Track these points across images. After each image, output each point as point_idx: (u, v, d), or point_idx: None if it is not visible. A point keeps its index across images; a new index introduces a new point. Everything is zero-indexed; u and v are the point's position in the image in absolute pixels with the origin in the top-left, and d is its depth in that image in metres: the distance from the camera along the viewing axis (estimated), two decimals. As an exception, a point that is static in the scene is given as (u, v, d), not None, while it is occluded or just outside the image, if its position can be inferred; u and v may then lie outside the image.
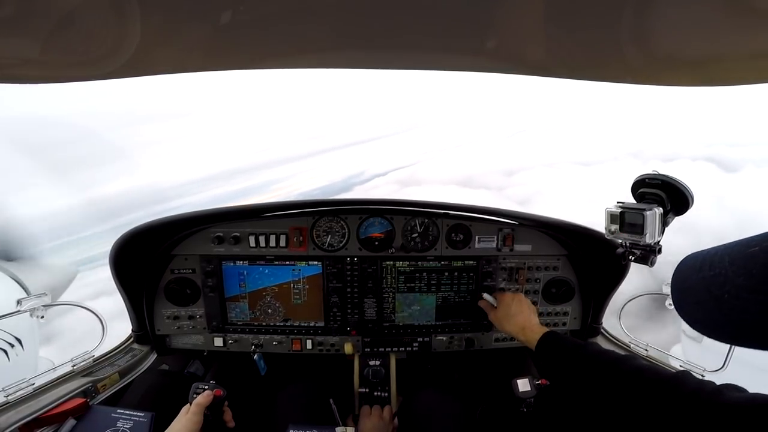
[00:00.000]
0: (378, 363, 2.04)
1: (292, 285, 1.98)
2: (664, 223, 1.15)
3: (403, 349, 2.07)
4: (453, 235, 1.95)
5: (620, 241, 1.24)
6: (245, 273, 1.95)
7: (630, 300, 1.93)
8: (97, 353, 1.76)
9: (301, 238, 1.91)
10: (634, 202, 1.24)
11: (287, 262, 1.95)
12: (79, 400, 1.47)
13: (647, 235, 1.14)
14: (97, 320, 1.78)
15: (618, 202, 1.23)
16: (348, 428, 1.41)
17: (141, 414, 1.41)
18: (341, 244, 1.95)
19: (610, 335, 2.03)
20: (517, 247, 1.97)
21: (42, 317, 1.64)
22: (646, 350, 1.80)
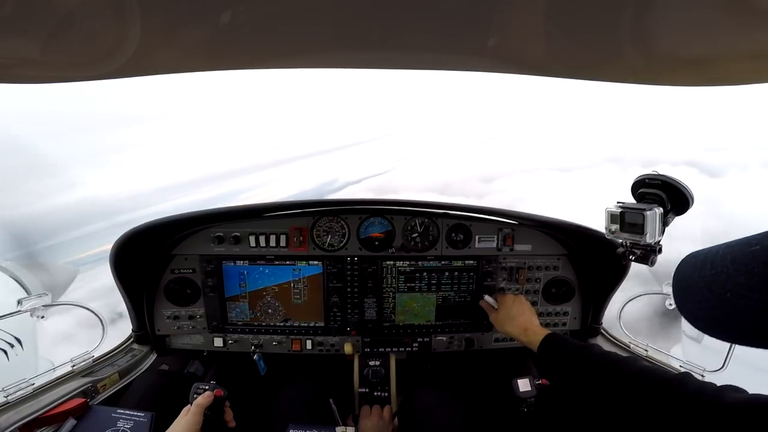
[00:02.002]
0: (378, 363, 2.04)
1: (292, 285, 1.98)
2: (665, 223, 1.16)
3: (402, 349, 2.06)
4: (453, 235, 1.95)
5: (620, 240, 1.24)
6: (245, 273, 1.95)
7: (630, 300, 1.93)
8: (97, 353, 1.76)
9: (301, 238, 1.91)
10: (634, 201, 1.24)
11: (287, 262, 1.95)
12: (79, 400, 1.47)
13: (647, 234, 1.14)
14: (97, 320, 1.78)
15: (618, 202, 1.23)
16: (348, 428, 1.41)
17: (141, 414, 1.41)
18: (341, 244, 1.95)
19: (610, 335, 2.03)
20: (517, 247, 1.97)
21: (42, 317, 1.65)
22: (646, 350, 1.80)
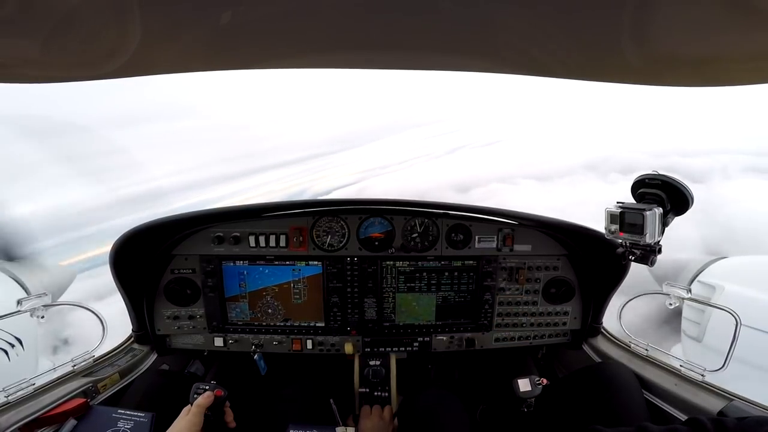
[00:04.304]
0: (378, 363, 2.04)
1: (292, 285, 1.98)
2: (664, 223, 1.16)
3: (403, 348, 2.07)
4: (453, 235, 1.95)
5: (620, 241, 1.24)
6: (245, 273, 1.95)
7: (630, 300, 1.92)
8: (98, 353, 1.76)
9: (301, 238, 1.91)
10: (634, 202, 1.24)
11: (287, 262, 1.95)
12: (80, 401, 1.47)
13: (647, 235, 1.14)
14: (97, 320, 1.78)
15: (618, 202, 1.24)
16: (348, 428, 1.42)
17: (141, 414, 1.41)
18: (341, 244, 1.95)
19: (610, 335, 2.03)
20: (517, 247, 1.97)
21: (42, 317, 1.64)
22: (646, 350, 1.80)
